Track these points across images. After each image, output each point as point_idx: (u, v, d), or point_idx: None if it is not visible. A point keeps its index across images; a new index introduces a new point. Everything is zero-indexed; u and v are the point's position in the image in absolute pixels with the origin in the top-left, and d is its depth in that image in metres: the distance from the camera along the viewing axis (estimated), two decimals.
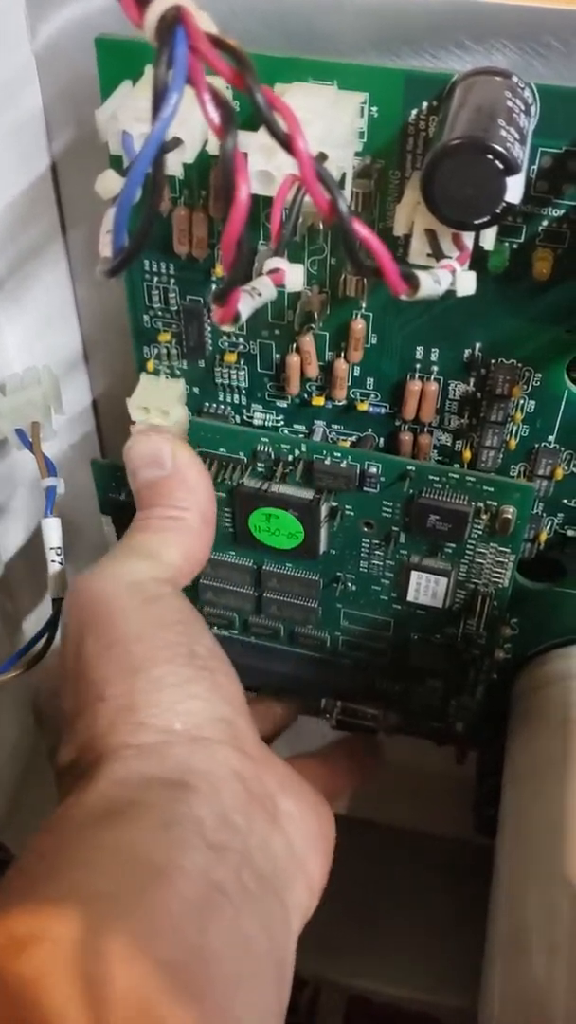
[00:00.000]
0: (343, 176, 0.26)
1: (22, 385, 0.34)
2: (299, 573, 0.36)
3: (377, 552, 0.34)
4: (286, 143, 0.18)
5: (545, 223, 0.27)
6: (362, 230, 0.19)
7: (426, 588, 0.34)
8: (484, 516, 0.31)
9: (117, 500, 0.34)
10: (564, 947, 0.29)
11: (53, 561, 0.33)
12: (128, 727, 0.25)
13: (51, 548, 0.33)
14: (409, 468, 0.31)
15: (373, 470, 0.31)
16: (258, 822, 0.25)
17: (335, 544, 0.34)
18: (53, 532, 0.33)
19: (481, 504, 0.31)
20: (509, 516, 0.31)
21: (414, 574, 0.34)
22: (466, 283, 0.23)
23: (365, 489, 0.32)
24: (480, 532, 0.32)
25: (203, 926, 0.22)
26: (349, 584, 0.35)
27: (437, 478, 0.31)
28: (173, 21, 0.17)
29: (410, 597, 0.34)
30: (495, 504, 0.31)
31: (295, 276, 0.24)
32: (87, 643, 0.26)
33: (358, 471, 0.32)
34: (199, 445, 0.32)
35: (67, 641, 0.27)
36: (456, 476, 0.31)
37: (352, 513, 0.33)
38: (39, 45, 0.30)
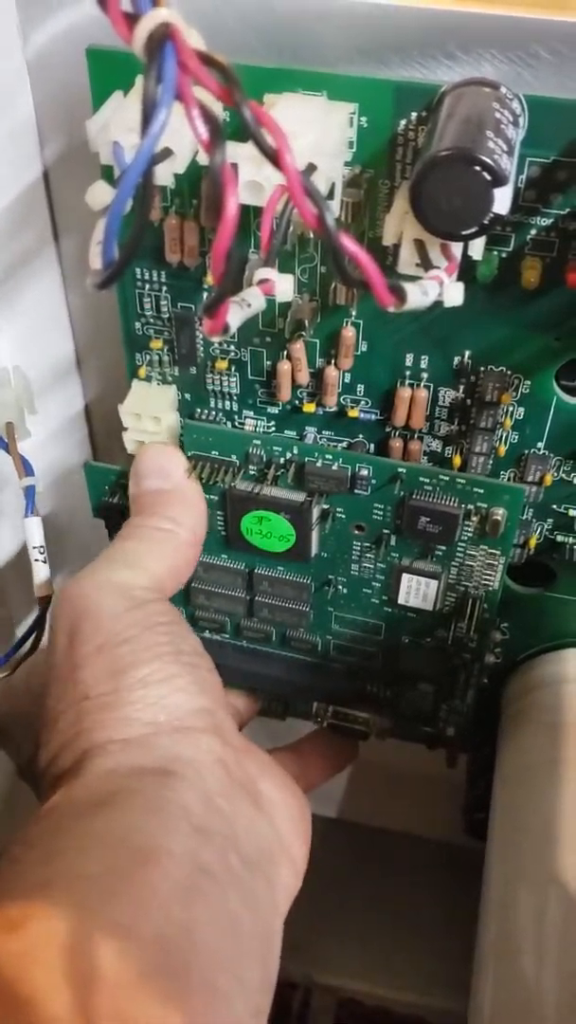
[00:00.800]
0: (332, 186, 0.26)
1: None
2: (290, 576, 0.36)
3: (368, 555, 0.34)
4: (274, 158, 0.18)
5: (533, 232, 0.27)
6: (350, 244, 0.19)
7: (417, 590, 0.34)
8: (474, 518, 0.32)
9: (110, 504, 0.34)
10: (553, 950, 0.30)
11: (37, 560, 0.34)
12: (113, 722, 0.26)
13: (34, 547, 0.34)
14: (400, 470, 0.31)
15: (364, 472, 0.32)
16: (242, 806, 0.26)
17: (326, 547, 0.34)
18: (35, 531, 0.33)
19: (471, 506, 0.31)
20: (499, 518, 0.31)
21: (405, 576, 0.34)
22: (454, 294, 0.23)
23: (356, 491, 0.32)
24: (470, 534, 0.32)
25: (189, 905, 0.22)
26: (340, 587, 0.36)
27: (428, 480, 0.31)
28: (162, 38, 0.17)
29: (401, 600, 0.35)
30: (485, 506, 0.31)
31: (285, 286, 0.24)
32: (76, 647, 0.27)
33: (349, 473, 0.32)
34: (192, 447, 0.33)
35: (55, 645, 0.28)
36: (446, 478, 0.31)
37: (343, 516, 0.33)
38: (31, 53, 0.30)
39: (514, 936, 0.31)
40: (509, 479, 0.33)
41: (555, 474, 0.32)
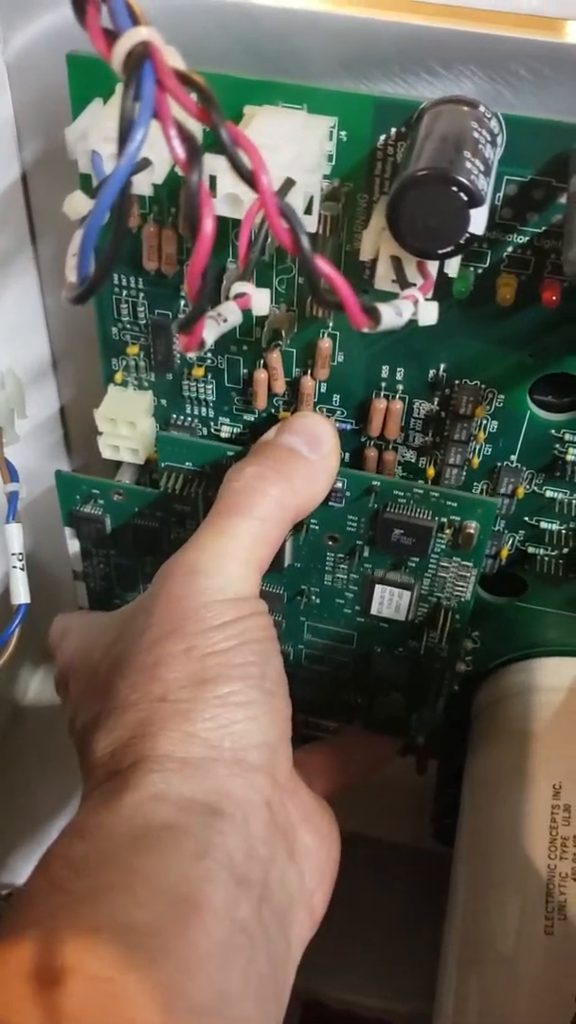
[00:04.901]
0: (311, 200, 0.26)
1: None
2: (263, 587, 0.36)
3: (341, 566, 0.34)
4: (250, 180, 0.18)
5: (509, 249, 0.27)
6: (324, 266, 0.19)
7: (389, 601, 0.34)
8: (447, 531, 0.32)
9: (81, 513, 0.34)
10: (519, 959, 0.30)
11: (15, 567, 0.33)
12: (179, 735, 0.25)
13: (13, 554, 0.33)
14: (374, 483, 0.31)
15: (339, 485, 0.32)
16: (279, 854, 0.26)
17: (299, 558, 0.34)
18: (15, 538, 0.33)
19: (445, 519, 0.32)
20: (472, 531, 0.31)
21: (378, 587, 0.34)
22: (428, 313, 0.24)
23: (330, 503, 0.32)
24: (443, 547, 0.32)
25: (227, 967, 0.22)
26: (313, 597, 0.36)
27: (402, 493, 0.31)
28: (141, 56, 0.17)
29: (373, 610, 0.35)
30: (458, 519, 0.32)
31: (261, 300, 0.24)
32: (169, 642, 0.26)
33: None
34: (166, 459, 0.32)
35: (147, 629, 0.27)
36: (420, 491, 0.31)
37: (317, 527, 0.33)
38: (11, 55, 0.30)
39: (480, 943, 0.31)
40: (482, 491, 0.33)
41: (527, 487, 0.32)
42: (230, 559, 0.28)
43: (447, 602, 0.34)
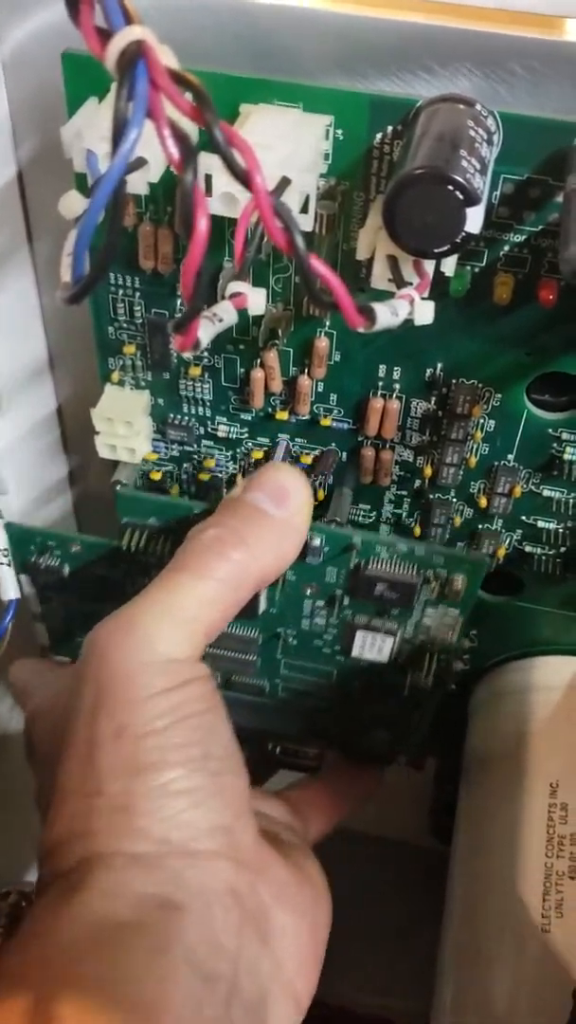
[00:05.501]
0: (307, 199, 0.26)
1: None
2: (236, 631, 0.34)
3: (320, 612, 0.33)
4: (244, 180, 0.18)
5: (506, 248, 0.27)
6: (320, 267, 0.19)
7: (372, 645, 0.33)
8: (434, 583, 0.31)
9: (36, 565, 0.34)
10: (518, 957, 0.30)
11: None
12: (123, 831, 0.24)
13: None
14: (354, 541, 0.30)
15: (316, 542, 0.30)
16: (248, 944, 0.24)
17: (275, 604, 0.33)
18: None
19: (430, 571, 0.31)
20: (459, 586, 0.31)
21: (359, 633, 0.33)
22: (424, 313, 0.24)
23: (307, 560, 0.31)
24: (429, 597, 0.32)
25: None
26: (290, 639, 0.35)
27: (383, 550, 0.30)
28: (134, 55, 0.17)
29: (354, 654, 0.34)
30: (445, 572, 0.31)
31: (257, 300, 0.24)
32: (99, 720, 0.24)
33: None
34: (127, 515, 0.32)
35: (80, 700, 0.25)
36: (404, 548, 0.30)
37: (294, 579, 0.32)
38: (5, 53, 0.30)
39: (477, 941, 0.32)
40: (479, 490, 0.33)
41: (524, 486, 0.32)
42: (169, 617, 0.26)
43: (431, 646, 0.33)
